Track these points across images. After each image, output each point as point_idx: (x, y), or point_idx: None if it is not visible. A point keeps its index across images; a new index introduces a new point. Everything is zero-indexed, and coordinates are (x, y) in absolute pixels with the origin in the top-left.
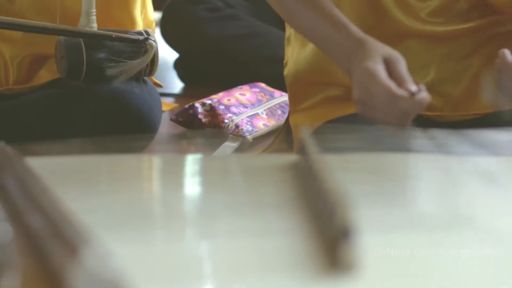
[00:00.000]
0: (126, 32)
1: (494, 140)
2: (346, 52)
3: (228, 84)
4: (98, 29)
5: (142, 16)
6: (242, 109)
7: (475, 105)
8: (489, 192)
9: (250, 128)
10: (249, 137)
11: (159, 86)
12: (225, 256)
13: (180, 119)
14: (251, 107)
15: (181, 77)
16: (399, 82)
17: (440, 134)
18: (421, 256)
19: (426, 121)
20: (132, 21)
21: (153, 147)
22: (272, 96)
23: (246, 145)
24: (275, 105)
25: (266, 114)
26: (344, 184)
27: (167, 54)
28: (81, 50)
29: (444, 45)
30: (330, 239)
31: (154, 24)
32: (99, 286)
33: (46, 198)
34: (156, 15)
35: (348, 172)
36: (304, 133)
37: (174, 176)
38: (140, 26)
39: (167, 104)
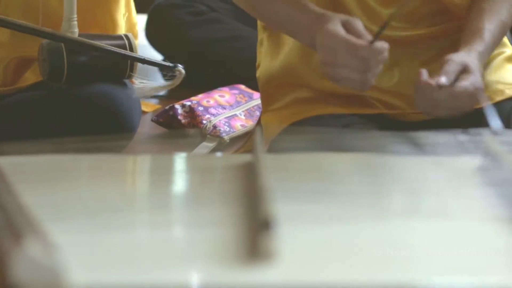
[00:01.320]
0: (109, 36)
1: (433, 141)
2: (308, 28)
3: (212, 86)
4: (85, 34)
5: (125, 19)
6: (220, 110)
7: None
8: (406, 190)
9: (228, 129)
10: (226, 137)
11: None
12: (157, 246)
13: (161, 120)
14: (229, 108)
15: (167, 79)
16: (357, 36)
17: (384, 135)
18: (339, 244)
19: (389, 121)
20: (115, 24)
21: (133, 147)
22: (251, 98)
23: (223, 145)
24: (253, 107)
25: (244, 115)
26: (276, 181)
27: (152, 56)
28: (62, 54)
29: (408, 48)
30: (253, 230)
31: (137, 27)
32: (40, 273)
33: (6, 193)
34: (141, 18)
35: (285, 171)
36: (256, 134)
37: (128, 175)
38: (122, 29)
39: (151, 105)
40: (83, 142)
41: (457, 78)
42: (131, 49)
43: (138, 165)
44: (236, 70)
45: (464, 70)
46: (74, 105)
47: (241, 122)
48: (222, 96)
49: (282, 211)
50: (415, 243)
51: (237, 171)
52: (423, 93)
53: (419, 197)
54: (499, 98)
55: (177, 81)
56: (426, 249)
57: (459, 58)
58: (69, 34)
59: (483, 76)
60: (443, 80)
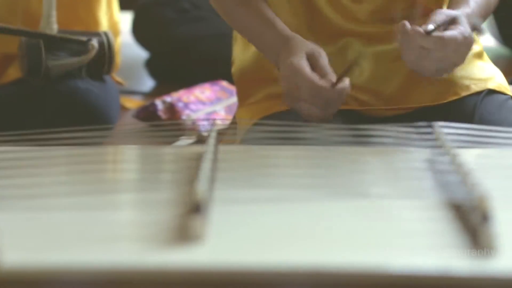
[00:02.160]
0: (88, 33)
1: (382, 134)
2: (274, 48)
3: (197, 82)
4: (58, 30)
5: (107, 17)
6: (200, 106)
7: (405, 101)
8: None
9: (207, 125)
10: (205, 133)
11: (121, 84)
12: (88, 227)
13: (141, 116)
14: (209, 104)
15: (153, 75)
16: (322, 74)
17: (339, 128)
18: (271, 226)
19: (359, 117)
20: (96, 22)
21: (111, 142)
22: (232, 94)
23: (202, 140)
24: (234, 103)
25: (224, 111)
26: (220, 171)
27: (139, 54)
28: (40, 50)
29: (379, 45)
30: (186, 213)
31: (119, 25)
32: None
33: None
34: (127, 15)
35: (228, 161)
36: (209, 127)
37: (83, 165)
38: (104, 27)
39: (135, 101)
40: (57, 134)
41: (445, 28)
42: (109, 45)
43: (92, 155)
44: (220, 67)
45: (453, 21)
46: (51, 100)
47: (221, 118)
48: (203, 92)
49: (218, 196)
50: (341, 225)
51: (186, 161)
52: (410, 42)
53: (354, 184)
54: (465, 93)
55: (90, 55)
56: (351, 230)
57: (447, 11)
58: (47, 31)
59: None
60: (431, 26)
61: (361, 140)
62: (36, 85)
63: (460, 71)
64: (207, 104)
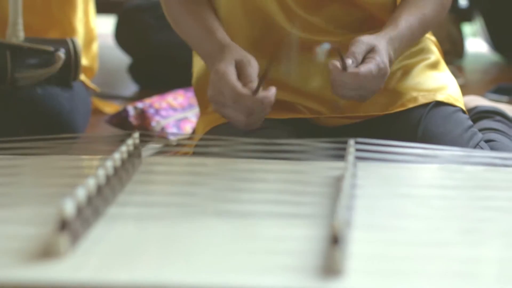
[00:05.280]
0: (54, 41)
1: (297, 148)
2: (211, 57)
3: (178, 87)
4: (25, 38)
5: (83, 23)
6: (171, 112)
7: (355, 111)
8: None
9: (176, 131)
10: (174, 139)
11: (94, 90)
12: None
13: (114, 122)
14: (180, 111)
15: (135, 80)
16: (245, 82)
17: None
18: (141, 243)
19: (310, 126)
20: (72, 28)
21: (75, 148)
22: None
23: (170, 147)
24: None
25: (196, 118)
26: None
27: (123, 58)
28: (5, 57)
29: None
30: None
31: (95, 32)
32: None
33: None
34: (109, 19)
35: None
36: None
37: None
38: (80, 33)
39: (115, 106)
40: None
41: (363, 58)
42: (76, 53)
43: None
44: None
45: (371, 50)
46: (17, 107)
47: (192, 125)
48: (176, 98)
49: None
50: (203, 244)
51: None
52: (332, 76)
53: (232, 199)
54: (411, 105)
55: (57, 66)
56: (210, 250)
57: (366, 39)
58: (14, 39)
59: (396, 75)
60: (348, 62)
61: (273, 156)
62: (1, 91)
63: (409, 81)
64: (179, 110)
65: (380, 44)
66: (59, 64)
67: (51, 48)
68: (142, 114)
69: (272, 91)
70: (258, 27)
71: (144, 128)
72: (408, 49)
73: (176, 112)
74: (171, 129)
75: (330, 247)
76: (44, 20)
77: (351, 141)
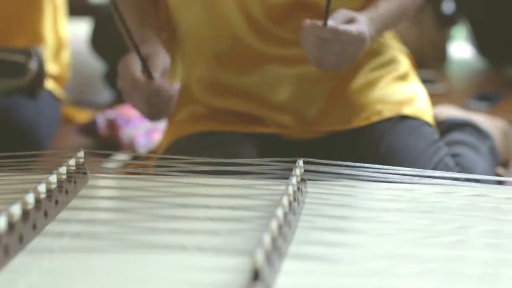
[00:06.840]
0: (15, 50)
1: (248, 168)
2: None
3: None
4: None
5: (53, 31)
6: (142, 122)
7: (322, 124)
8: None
9: (145, 142)
10: (143, 150)
11: (62, 100)
12: None
13: (84, 131)
14: None
15: (112, 87)
16: (151, 72)
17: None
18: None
19: (277, 139)
20: (40, 36)
21: (43, 160)
22: None
23: (140, 157)
24: None
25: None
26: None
27: (97, 66)
28: None
29: (299, 67)
30: None
31: (66, 39)
32: None
33: None
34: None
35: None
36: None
37: None
38: (49, 40)
39: (87, 114)
40: None
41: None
42: (40, 63)
43: None
44: None
45: (351, 20)
46: None
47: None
48: None
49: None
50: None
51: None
52: (309, 34)
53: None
54: (375, 118)
55: (28, 77)
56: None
57: (348, 11)
58: None
59: (363, 87)
60: (329, 21)
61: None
62: None
63: (375, 94)
64: None
65: (360, 16)
66: (30, 77)
67: (22, 61)
68: (111, 124)
69: (174, 86)
70: (224, 41)
71: (113, 138)
72: (387, 33)
73: (147, 122)
74: (141, 140)
75: (251, 283)
76: (10, 27)
77: (300, 161)
